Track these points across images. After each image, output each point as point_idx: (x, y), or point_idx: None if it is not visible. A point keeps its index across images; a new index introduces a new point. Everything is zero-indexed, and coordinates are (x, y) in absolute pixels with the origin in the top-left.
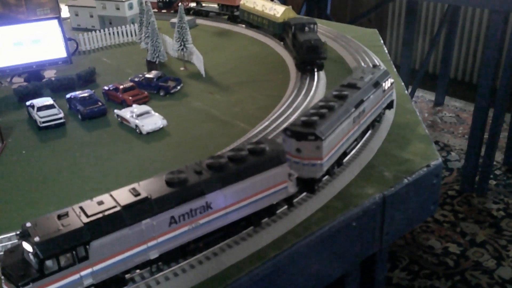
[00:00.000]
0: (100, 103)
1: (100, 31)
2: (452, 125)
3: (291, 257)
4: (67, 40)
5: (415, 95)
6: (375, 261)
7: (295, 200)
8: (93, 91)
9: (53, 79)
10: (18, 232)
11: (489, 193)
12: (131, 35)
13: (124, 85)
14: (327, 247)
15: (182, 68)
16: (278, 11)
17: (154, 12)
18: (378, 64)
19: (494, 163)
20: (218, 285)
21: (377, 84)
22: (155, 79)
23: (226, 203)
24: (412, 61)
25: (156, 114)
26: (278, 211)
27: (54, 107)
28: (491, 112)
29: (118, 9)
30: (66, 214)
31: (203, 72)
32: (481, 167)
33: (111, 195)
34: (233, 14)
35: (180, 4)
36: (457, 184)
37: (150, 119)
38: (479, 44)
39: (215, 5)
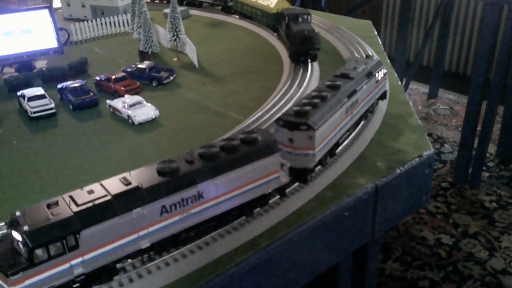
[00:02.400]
0: (91, 93)
1: (92, 21)
2: (445, 118)
3: (283, 246)
4: (58, 30)
5: (409, 87)
6: (368, 251)
7: (287, 190)
8: (85, 81)
9: (44, 69)
10: (7, 221)
11: (482, 185)
12: (124, 25)
13: (116, 76)
14: (319, 237)
15: (175, 59)
16: (272, 1)
17: (146, 2)
18: (371, 54)
19: (487, 155)
20: (210, 275)
21: (370, 75)
22: (147, 70)
23: (218, 193)
24: (407, 53)
25: (149, 104)
26: (270, 201)
27: (45, 97)
28: (484, 104)
29: None
30: (56, 203)
31: (196, 62)
32: (474, 159)
33: (101, 184)
34: (227, 4)
35: None
36: (450, 176)
37: (142, 110)
38: (473, 37)
39: None
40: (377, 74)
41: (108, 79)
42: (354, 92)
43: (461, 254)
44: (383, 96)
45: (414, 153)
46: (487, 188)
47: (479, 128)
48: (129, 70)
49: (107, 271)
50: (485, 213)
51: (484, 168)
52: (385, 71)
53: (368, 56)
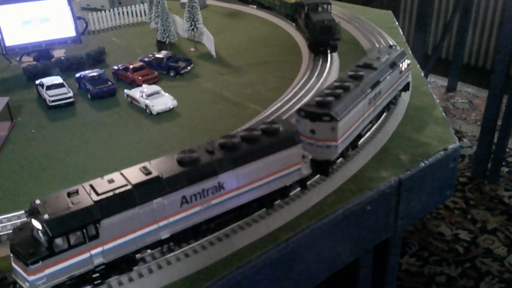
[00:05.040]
0: (109, 83)
1: (109, 10)
2: (464, 111)
3: (304, 240)
4: (76, 19)
5: (427, 80)
6: (389, 246)
7: (308, 182)
8: (103, 70)
9: (62, 58)
10: (27, 210)
11: (501, 180)
12: (141, 15)
13: (134, 65)
14: (340, 230)
15: (192, 49)
16: None
17: None
18: (394, 44)
19: (507, 150)
20: (230, 267)
21: (393, 65)
22: (165, 59)
23: (239, 184)
24: (425, 46)
25: (166, 94)
26: (291, 193)
27: (64, 86)
28: (505, 98)
29: None
30: (76, 192)
31: (213, 53)
32: (494, 154)
33: (121, 174)
34: None
35: None
36: (469, 171)
37: (160, 99)
38: (494, 29)
39: None
40: (400, 65)
41: (126, 69)
42: (377, 82)
43: (479, 250)
44: (406, 88)
45: (439, 146)
46: (507, 183)
47: (499, 122)
48: (146, 59)
49: (127, 261)
50: (504, 209)
51: (503, 163)
52: (409, 61)
53: (391, 46)
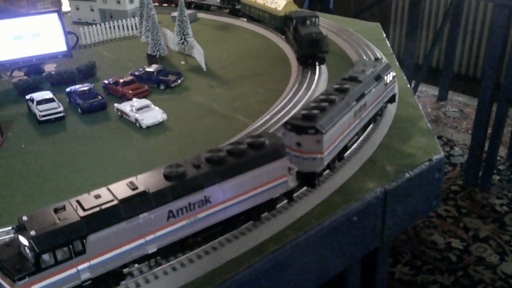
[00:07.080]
0: (100, 97)
1: (100, 24)
2: (455, 120)
3: (291, 252)
4: (67, 33)
5: (418, 89)
6: (377, 256)
7: (295, 195)
8: (93, 85)
9: (53, 73)
10: (14, 226)
11: (492, 188)
12: (132, 29)
13: (124, 79)
14: (327, 242)
15: (182, 62)
16: (280, 4)
17: (154, 5)
18: (380, 57)
19: (498, 158)
20: (217, 280)
21: (378, 78)
22: (155, 73)
23: (225, 197)
24: (416, 55)
25: (156, 108)
26: (278, 206)
27: (54, 101)
28: (494, 107)
29: (118, 2)
30: (63, 208)
31: (203, 66)
32: (485, 162)
33: (108, 189)
34: (235, 7)
35: None
36: (461, 179)
37: (150, 113)
38: (483, 39)
39: None
40: (385, 77)
41: (116, 83)
42: (362, 95)
43: (472, 259)
44: (392, 99)
45: (424, 157)
46: (498, 191)
47: (489, 130)
48: (137, 73)
49: (114, 276)
50: (496, 217)
51: (494, 171)
52: (394, 74)
53: (376, 59)
